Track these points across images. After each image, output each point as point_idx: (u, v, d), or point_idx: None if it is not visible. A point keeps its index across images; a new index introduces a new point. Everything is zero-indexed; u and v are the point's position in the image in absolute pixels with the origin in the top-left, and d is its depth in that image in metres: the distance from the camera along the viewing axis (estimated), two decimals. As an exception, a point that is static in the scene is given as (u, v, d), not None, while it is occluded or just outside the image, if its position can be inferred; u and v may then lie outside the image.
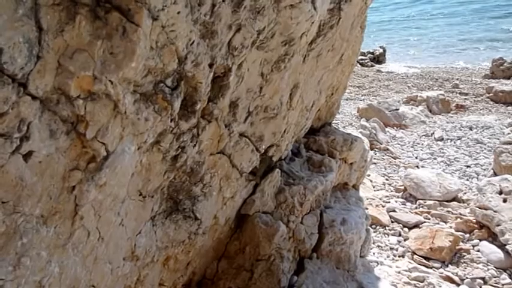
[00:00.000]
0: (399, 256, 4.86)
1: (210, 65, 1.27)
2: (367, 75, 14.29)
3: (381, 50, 15.61)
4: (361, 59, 15.34)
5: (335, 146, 3.33)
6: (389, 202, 5.89)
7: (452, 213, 5.48)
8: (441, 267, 4.48)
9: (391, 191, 6.37)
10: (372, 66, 15.71)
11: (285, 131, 2.34)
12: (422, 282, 4.00)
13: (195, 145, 1.52)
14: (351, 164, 3.59)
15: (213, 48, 1.24)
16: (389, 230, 5.26)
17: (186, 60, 1.13)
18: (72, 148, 0.97)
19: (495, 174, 6.62)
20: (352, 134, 3.64)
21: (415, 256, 4.63)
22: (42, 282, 0.99)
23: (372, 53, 15.41)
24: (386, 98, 11.48)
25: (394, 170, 7.19)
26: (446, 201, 5.79)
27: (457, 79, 13.87)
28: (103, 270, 1.29)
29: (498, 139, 8.16)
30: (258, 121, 2.00)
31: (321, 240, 2.61)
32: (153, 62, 1.02)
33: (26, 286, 0.94)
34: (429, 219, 5.40)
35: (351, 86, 12.89)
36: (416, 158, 7.81)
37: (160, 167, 1.43)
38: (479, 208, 5.21)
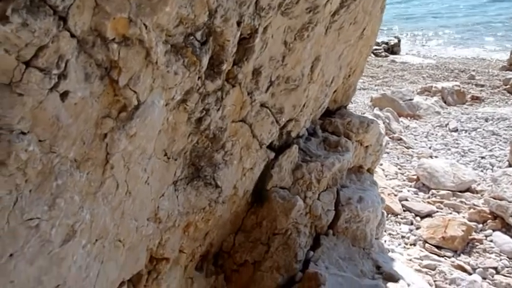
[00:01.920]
0: (410, 244, 4.84)
1: (238, 23, 1.26)
2: (381, 65, 14.12)
3: (396, 40, 15.40)
4: (375, 49, 15.16)
5: (351, 128, 3.30)
6: (401, 191, 5.85)
7: (466, 204, 5.42)
8: (453, 256, 4.45)
9: (404, 180, 6.32)
10: (386, 56, 15.52)
11: (304, 105, 2.33)
12: (433, 270, 3.97)
13: (218, 109, 1.53)
14: (366, 147, 3.56)
15: (241, 6, 1.23)
16: (401, 218, 5.23)
17: (216, 14, 1.13)
18: (105, 95, 0.98)
19: (510, 166, 6.52)
20: (368, 117, 3.62)
21: (426, 245, 4.59)
22: (75, 227, 1.00)
23: (386, 43, 15.21)
24: (400, 88, 11.34)
25: (407, 160, 7.12)
26: (460, 191, 5.72)
27: (473, 70, 13.62)
28: (129, 226, 1.30)
29: (514, 131, 7.96)
30: (279, 92, 1.99)
31: (337, 217, 2.61)
32: (185, 11, 1.02)
33: (59, 228, 0.96)
34: (442, 209, 5.35)
35: (365, 76, 12.75)
36: (429, 148, 7.72)
37: (185, 128, 1.43)
38: (494, 198, 5.15)
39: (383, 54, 15.33)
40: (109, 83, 0.97)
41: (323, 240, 2.48)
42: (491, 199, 5.08)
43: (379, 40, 15.67)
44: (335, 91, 3.34)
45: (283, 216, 2.35)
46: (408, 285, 2.24)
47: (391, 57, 15.24)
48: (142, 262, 1.58)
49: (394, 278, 2.38)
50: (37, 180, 0.88)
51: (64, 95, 0.86)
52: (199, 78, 1.24)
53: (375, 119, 3.80)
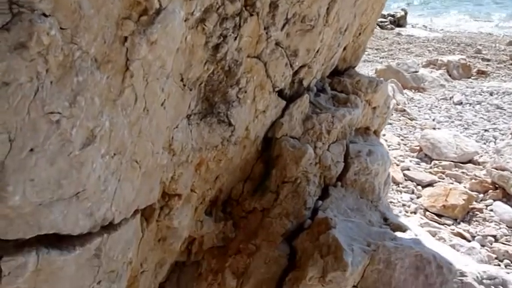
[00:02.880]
0: (411, 212, 4.87)
1: None
2: (387, 38, 13.90)
3: (402, 13, 15.09)
4: (381, 21, 14.88)
5: (360, 87, 3.25)
6: (403, 161, 5.85)
7: (467, 175, 5.43)
8: (453, 224, 4.48)
9: (406, 151, 6.31)
10: (392, 29, 15.25)
11: (318, 51, 2.27)
12: (433, 236, 4.00)
13: (235, 38, 1.48)
14: (374, 108, 3.52)
15: None
16: (403, 187, 5.24)
17: None
18: (126, -6, 0.93)
19: (513, 139, 6.50)
20: (377, 78, 3.56)
21: (427, 213, 4.62)
22: (95, 132, 0.97)
23: (393, 16, 14.91)
24: (406, 60, 11.19)
25: (410, 131, 7.10)
26: (462, 162, 5.73)
27: (480, 45, 13.42)
28: (146, 147, 1.28)
29: (519, 105, 7.92)
30: (294, 32, 1.93)
31: (346, 169, 2.59)
32: None
33: (79, 130, 0.93)
34: (443, 179, 5.36)
35: (370, 48, 12.58)
36: (433, 120, 7.68)
37: (202, 53, 1.39)
38: (496, 169, 5.16)
39: (389, 26, 15.06)
40: (131, -20, 0.92)
41: (332, 191, 2.47)
42: (494, 169, 5.09)
43: (385, 12, 15.35)
44: (345, 48, 3.27)
45: (293, 164, 2.33)
46: (416, 235, 2.25)
47: (397, 29, 14.98)
48: (156, 194, 1.57)
49: (401, 228, 2.39)
50: (58, 73, 0.84)
51: (86, -19, 0.81)
52: (219, -6, 1.19)
53: (383, 80, 3.75)
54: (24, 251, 0.98)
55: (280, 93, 2.34)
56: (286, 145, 2.35)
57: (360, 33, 3.39)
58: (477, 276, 1.77)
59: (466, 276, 1.76)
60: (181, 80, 1.38)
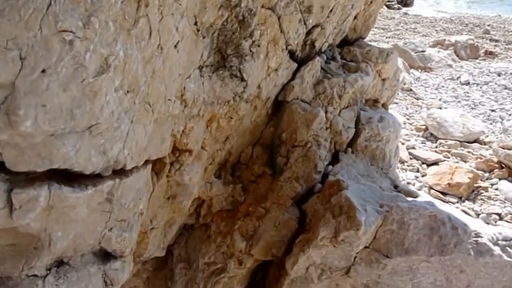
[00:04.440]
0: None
1: None
2: (393, 17, 13.66)
3: (410, -8, 14.78)
4: (388, 1, 14.59)
5: (370, 57, 3.16)
6: (409, 140, 5.79)
7: (473, 154, 5.38)
8: (457, 202, 4.44)
9: (412, 130, 6.25)
10: (399, 8, 14.98)
11: (332, 11, 2.20)
12: (438, 214, 3.93)
13: (251, -18, 1.40)
14: (384, 80, 3.44)
15: None
16: (408, 166, 5.19)
17: None
18: None
19: (520, 119, 6.43)
20: (388, 48, 3.48)
21: (432, 191, 4.57)
22: (108, 60, 0.92)
23: (400, -5, 14.62)
24: (413, 40, 11.01)
25: (416, 111, 7.02)
26: (468, 142, 5.66)
27: (489, 25, 13.19)
28: (159, 90, 1.23)
29: (527, 86, 7.81)
30: (309, -14, 1.86)
31: (357, 135, 2.54)
32: None
33: (93, 55, 0.88)
34: (449, 158, 5.31)
35: (376, 27, 12.37)
36: (439, 100, 7.58)
37: (216, -4, 1.32)
38: (503, 148, 5.10)
39: (396, 6, 14.79)
40: None
41: (342, 157, 2.42)
42: (500, 149, 5.03)
43: (392, -9, 15.04)
44: (355, 17, 3.18)
45: (304, 127, 2.28)
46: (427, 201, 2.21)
47: (404, 9, 14.72)
48: (167, 146, 1.52)
49: (413, 194, 2.35)
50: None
51: None
52: None
53: (394, 51, 3.66)
54: (36, 185, 0.94)
55: (292, 56, 2.27)
56: (297, 108, 2.29)
57: (371, 1, 3.29)
58: (492, 237, 1.74)
59: (481, 237, 1.73)
60: (195, 23, 1.32)
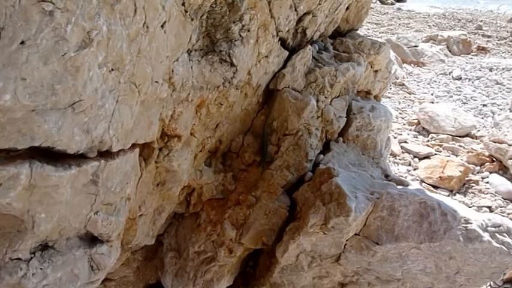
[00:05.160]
0: (407, 184, 4.80)
1: None
2: (387, 13, 13.69)
3: (403, -13, 14.81)
4: (381, -4, 14.61)
5: (362, 48, 3.15)
6: (401, 134, 5.82)
7: (464, 148, 5.42)
8: (448, 195, 4.47)
9: (404, 124, 6.28)
10: (392, 4, 15.00)
11: (323, -3, 2.18)
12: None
13: (240, -36, 1.38)
14: (376, 71, 3.44)
15: None
16: (400, 159, 5.22)
17: None
18: None
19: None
20: (380, 40, 3.47)
21: (423, 184, 4.59)
22: (91, 35, 0.90)
23: (393, -10, 14.64)
24: (406, 34, 11.04)
25: (408, 105, 7.05)
26: (459, 136, 5.71)
27: (481, 21, 13.28)
28: (145, 71, 1.21)
29: (518, 81, 7.89)
30: (300, -29, 1.84)
31: (348, 124, 2.54)
32: None
33: (75, 28, 0.86)
34: (440, 151, 5.34)
35: (369, 22, 12.39)
36: (432, 94, 7.63)
37: (205, -24, 1.30)
38: (494, 142, 5.13)
39: (389, 1, 14.81)
40: None
41: (333, 146, 2.42)
42: (491, 142, 5.06)
43: (386, -13, 15.04)
44: (348, 8, 3.16)
45: (295, 116, 2.27)
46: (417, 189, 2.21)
47: (397, 4, 14.75)
48: (155, 130, 1.50)
49: (403, 183, 2.35)
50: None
51: None
52: None
53: (386, 42, 3.66)
54: (17, 162, 0.92)
55: (283, 44, 2.26)
56: (288, 96, 2.28)
57: (364, -8, 3.28)
58: (482, 224, 1.74)
59: (470, 223, 1.73)
60: (183, 4, 1.30)
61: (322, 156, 2.35)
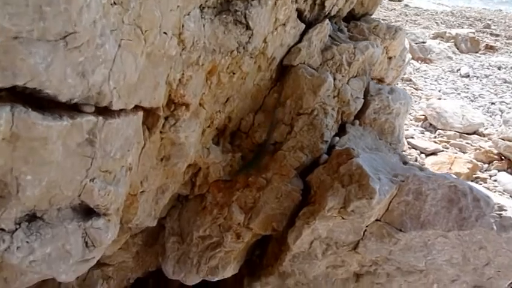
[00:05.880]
0: (413, 180, 4.65)
1: None
2: (394, 9, 13.50)
3: (411, -16, 14.58)
4: (389, -8, 14.40)
5: (378, 33, 2.98)
6: (408, 130, 5.67)
7: (472, 145, 5.29)
8: (456, 192, 4.30)
9: (411, 120, 6.13)
10: (400, 0, 14.76)
11: (345, -35, 2.01)
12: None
13: None
14: (390, 58, 3.27)
15: None
16: (406, 155, 5.07)
17: None
18: None
19: (520, 112, 6.37)
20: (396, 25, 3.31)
21: (430, 180, 4.43)
22: None
23: (401, -14, 14.41)
24: (414, 30, 10.87)
25: (415, 101, 6.88)
26: (467, 133, 5.58)
27: (490, 20, 13.10)
28: (153, 15, 1.04)
29: (527, 80, 7.76)
30: None
31: (365, 106, 2.36)
32: None
33: None
34: (448, 148, 5.20)
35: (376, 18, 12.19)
36: (439, 91, 7.49)
37: None
38: (503, 139, 4.99)
39: (397, -3, 14.58)
40: None
41: (349, 129, 2.25)
42: (500, 140, 4.92)
43: (393, -17, 14.82)
44: (364, -11, 3.00)
45: (311, 93, 2.10)
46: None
47: (405, 1, 14.54)
48: (162, 94, 1.33)
49: (422, 169, 2.19)
50: None
51: None
52: None
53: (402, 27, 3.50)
54: (-5, 104, 0.75)
55: (300, 16, 2.09)
56: (304, 72, 2.11)
57: (380, -26, 3.11)
58: (518, 211, 1.58)
59: (505, 210, 1.57)
60: None
61: (337, 138, 2.18)
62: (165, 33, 1.15)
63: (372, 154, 1.88)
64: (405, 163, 2.38)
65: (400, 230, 1.66)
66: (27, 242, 1.04)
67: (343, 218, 1.68)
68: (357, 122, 2.36)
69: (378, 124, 2.39)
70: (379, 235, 1.69)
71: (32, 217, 1.06)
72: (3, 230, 1.00)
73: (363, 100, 2.35)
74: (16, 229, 1.03)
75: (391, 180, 1.68)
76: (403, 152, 4.77)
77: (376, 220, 1.71)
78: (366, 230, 1.72)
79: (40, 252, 1.05)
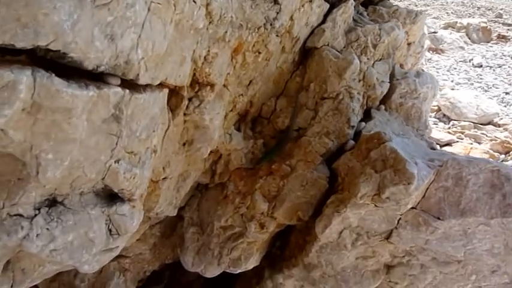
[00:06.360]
0: (429, 171, 4.54)
1: None
2: (403, -1, 13.27)
3: (420, -27, 14.32)
4: (398, -18, 14.17)
5: (397, 17, 2.85)
6: (420, 120, 5.53)
7: (487, 136, 5.16)
8: (473, 183, 4.18)
9: (424, 110, 5.99)
10: (409, -10, 14.51)
11: None
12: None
13: None
14: (409, 44, 3.14)
15: None
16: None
17: None
18: None
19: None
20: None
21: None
22: None
23: (411, -24, 14.16)
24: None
25: (428, 92, 6.73)
26: (482, 124, 5.45)
27: (501, 9, 12.85)
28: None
29: (541, 69, 7.58)
30: None
31: (391, 91, 2.25)
32: None
33: None
34: (462, 139, 5.08)
35: (385, 8, 11.98)
36: (452, 81, 7.34)
37: None
38: (520, 130, 4.86)
39: (406, -13, 14.33)
40: None
41: (375, 114, 2.14)
42: (517, 130, 4.79)
43: (402, -27, 14.56)
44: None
45: (336, 77, 1.99)
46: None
47: (415, -9, 14.29)
48: (187, 71, 1.23)
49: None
50: None
51: None
52: None
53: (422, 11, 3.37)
54: (14, 67, 0.65)
55: (324, -4, 1.98)
56: (328, 54, 2.00)
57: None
58: None
59: (552, 196, 1.45)
60: None
61: (363, 124, 2.07)
62: (194, 1, 1.05)
63: (404, 138, 1.77)
64: (433, 149, 2.27)
65: (438, 218, 1.55)
66: (47, 229, 0.95)
67: (376, 206, 1.57)
68: (382, 107, 2.25)
69: (404, 109, 2.28)
70: (415, 223, 1.58)
71: (52, 202, 0.97)
72: (21, 215, 0.91)
73: (388, 84, 2.24)
74: (35, 215, 0.94)
75: (428, 165, 1.57)
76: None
77: (412, 208, 1.60)
78: (400, 219, 1.61)
79: (62, 240, 0.96)
